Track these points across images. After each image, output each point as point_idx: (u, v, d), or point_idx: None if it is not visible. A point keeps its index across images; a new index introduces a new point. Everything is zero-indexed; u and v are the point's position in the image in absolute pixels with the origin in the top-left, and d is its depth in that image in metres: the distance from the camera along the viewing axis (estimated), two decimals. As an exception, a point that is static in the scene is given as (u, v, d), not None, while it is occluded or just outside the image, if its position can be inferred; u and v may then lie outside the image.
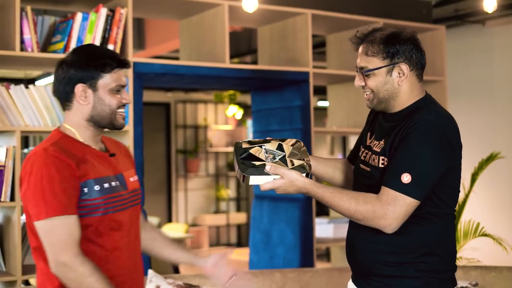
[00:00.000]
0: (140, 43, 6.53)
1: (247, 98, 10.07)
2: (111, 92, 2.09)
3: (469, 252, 5.22)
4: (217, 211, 10.53)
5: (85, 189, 2.01)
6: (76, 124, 2.11)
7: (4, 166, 3.22)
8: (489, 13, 5.28)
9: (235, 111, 10.18)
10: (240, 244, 10.48)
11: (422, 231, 2.12)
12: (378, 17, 4.75)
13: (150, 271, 3.31)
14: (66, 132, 2.11)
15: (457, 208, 2.26)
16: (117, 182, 2.10)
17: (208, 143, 10.44)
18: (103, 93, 2.08)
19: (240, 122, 10.63)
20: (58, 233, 1.93)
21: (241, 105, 10.27)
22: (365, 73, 2.18)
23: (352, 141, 10.73)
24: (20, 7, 3.27)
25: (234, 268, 2.28)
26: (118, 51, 3.53)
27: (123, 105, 2.13)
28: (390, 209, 2.03)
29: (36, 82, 7.50)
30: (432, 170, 2.06)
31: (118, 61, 2.10)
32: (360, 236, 2.20)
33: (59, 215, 1.94)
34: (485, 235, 5.09)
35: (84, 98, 2.08)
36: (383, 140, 2.18)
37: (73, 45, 3.43)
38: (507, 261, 5.08)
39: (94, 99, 2.08)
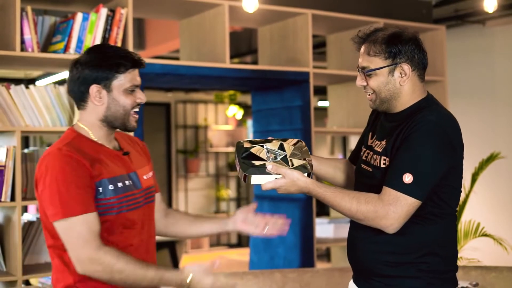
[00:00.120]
0: (140, 43, 6.53)
1: (247, 98, 10.07)
2: (126, 92, 2.09)
3: (470, 252, 5.22)
4: (218, 211, 10.53)
5: (100, 189, 2.02)
6: (90, 123, 2.11)
7: (4, 166, 3.22)
8: (490, 13, 5.28)
9: (235, 111, 10.18)
10: (240, 244, 10.48)
11: (423, 231, 2.12)
12: (379, 17, 4.75)
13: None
14: (80, 131, 2.12)
15: (457, 208, 2.25)
16: (130, 181, 2.10)
17: (208, 143, 10.44)
18: (118, 94, 2.08)
19: (241, 122, 10.63)
20: (77, 232, 1.94)
21: (241, 105, 10.28)
22: (367, 73, 2.17)
23: (353, 141, 10.74)
24: (20, 7, 3.27)
25: (264, 218, 2.27)
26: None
27: (137, 105, 2.13)
28: (392, 209, 2.03)
29: (37, 82, 7.51)
30: (434, 170, 2.06)
31: (132, 61, 2.09)
32: (361, 236, 2.20)
33: (76, 215, 1.95)
34: (485, 235, 5.09)
35: (99, 98, 2.08)
36: (385, 140, 2.18)
37: (73, 45, 3.43)
38: (508, 261, 5.08)
39: (109, 100, 2.08)
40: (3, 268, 3.35)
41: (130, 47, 3.57)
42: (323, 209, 7.05)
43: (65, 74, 5.70)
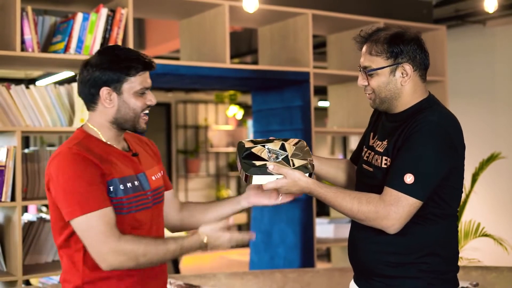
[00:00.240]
0: (140, 43, 6.53)
1: (247, 98, 10.07)
2: (136, 94, 2.08)
3: (470, 252, 5.22)
4: (218, 211, 10.52)
5: (111, 187, 2.02)
6: (99, 124, 2.11)
7: (4, 166, 3.22)
8: (490, 13, 5.28)
9: (235, 111, 10.18)
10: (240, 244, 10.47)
11: (424, 231, 2.12)
12: (379, 17, 4.75)
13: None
14: (89, 132, 2.12)
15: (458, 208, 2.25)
16: (139, 182, 2.10)
17: (208, 143, 10.44)
18: (128, 96, 2.07)
19: (241, 122, 10.63)
20: (96, 227, 1.94)
21: (241, 105, 10.28)
22: (368, 72, 2.17)
23: (353, 141, 10.75)
24: (20, 7, 3.27)
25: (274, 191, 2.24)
26: (118, 51, 3.52)
27: (148, 107, 2.12)
28: (393, 210, 2.03)
29: (37, 82, 7.51)
30: (435, 170, 2.06)
31: (143, 64, 2.08)
32: (362, 236, 2.20)
33: (94, 210, 1.95)
34: (485, 235, 5.09)
35: (109, 101, 2.07)
36: (386, 140, 2.18)
37: (73, 45, 3.43)
38: (508, 261, 5.08)
39: (119, 102, 2.08)
40: (3, 268, 3.35)
41: (130, 47, 3.56)
42: (323, 209, 7.05)
43: (65, 74, 5.70)
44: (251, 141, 2.22)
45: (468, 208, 5.16)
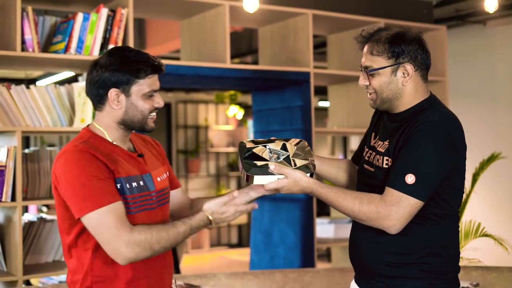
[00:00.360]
0: (141, 44, 6.53)
1: (248, 99, 10.07)
2: (144, 97, 2.08)
3: (470, 252, 5.22)
4: (218, 211, 10.52)
5: (118, 185, 2.02)
6: (106, 125, 2.11)
7: (5, 166, 3.22)
8: (490, 13, 5.28)
9: (236, 111, 10.18)
10: (241, 244, 10.48)
11: (425, 231, 2.11)
12: (379, 17, 4.75)
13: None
14: (95, 132, 2.12)
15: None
16: (144, 182, 2.10)
17: (209, 143, 10.44)
18: (136, 98, 2.07)
19: (241, 122, 10.63)
20: (108, 222, 1.93)
21: (242, 105, 10.28)
22: (370, 72, 2.17)
23: (353, 142, 10.75)
24: (21, 7, 3.27)
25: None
26: (119, 51, 3.52)
27: (155, 109, 2.12)
28: (394, 210, 2.03)
29: (37, 82, 7.51)
30: (436, 170, 2.06)
31: (152, 66, 2.08)
32: (363, 236, 2.20)
33: (105, 205, 1.94)
34: (486, 235, 5.09)
35: (117, 102, 2.07)
36: (388, 140, 2.18)
37: (74, 45, 3.43)
38: (508, 261, 5.08)
39: (127, 104, 2.07)
40: (4, 268, 3.35)
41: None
42: (324, 209, 7.05)
43: (65, 74, 5.70)
44: (253, 141, 2.22)
45: (469, 208, 5.16)
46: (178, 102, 10.14)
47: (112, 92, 2.05)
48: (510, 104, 6.07)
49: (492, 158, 5.14)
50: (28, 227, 3.49)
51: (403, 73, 2.15)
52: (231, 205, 2.10)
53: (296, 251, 4.35)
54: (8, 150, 3.23)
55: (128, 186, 2.04)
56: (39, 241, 3.52)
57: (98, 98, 2.09)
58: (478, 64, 6.29)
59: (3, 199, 3.21)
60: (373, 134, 2.31)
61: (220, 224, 2.14)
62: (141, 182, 2.09)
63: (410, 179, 2.03)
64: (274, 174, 2.10)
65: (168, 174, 2.26)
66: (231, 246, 10.46)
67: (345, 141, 11.27)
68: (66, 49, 3.43)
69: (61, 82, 4.47)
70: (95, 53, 3.49)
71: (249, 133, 10.45)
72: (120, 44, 3.53)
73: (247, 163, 2.13)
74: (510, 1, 5.50)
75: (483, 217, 5.35)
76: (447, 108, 2.20)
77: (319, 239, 4.58)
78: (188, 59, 4.21)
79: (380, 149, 2.20)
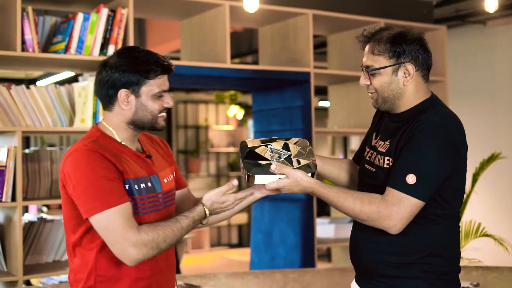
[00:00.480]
0: (141, 44, 6.53)
1: (248, 99, 10.07)
2: (154, 97, 2.08)
3: (470, 252, 5.22)
4: (218, 211, 10.51)
5: (127, 186, 2.02)
6: (115, 125, 2.11)
7: (5, 166, 3.22)
8: (490, 13, 5.28)
9: (236, 112, 10.19)
10: (241, 244, 10.48)
11: (426, 232, 2.11)
12: (379, 17, 4.75)
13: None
14: (104, 131, 2.11)
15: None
16: (152, 184, 2.10)
17: (209, 143, 10.44)
18: (146, 99, 2.07)
19: (241, 123, 10.64)
20: (116, 223, 1.93)
21: (242, 105, 10.28)
22: (371, 72, 2.17)
23: (353, 142, 10.75)
24: (21, 7, 3.27)
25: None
26: (119, 51, 3.53)
27: (165, 109, 2.13)
28: (395, 210, 2.02)
29: (37, 83, 7.51)
30: (437, 171, 2.06)
31: (162, 67, 2.07)
32: (364, 236, 2.20)
33: (113, 206, 1.94)
34: (486, 235, 5.09)
35: (127, 103, 2.07)
36: (389, 140, 2.18)
37: (74, 45, 3.43)
38: (508, 261, 5.08)
39: (137, 105, 2.07)
40: (4, 268, 3.35)
41: (131, 47, 3.56)
42: (324, 209, 7.05)
43: (66, 74, 5.70)
44: (254, 140, 2.21)
45: (469, 208, 5.16)
46: (178, 102, 10.14)
47: (122, 93, 2.05)
48: (510, 104, 6.07)
49: (492, 158, 5.13)
50: (28, 227, 3.49)
51: (404, 73, 2.15)
52: (230, 194, 2.11)
53: (296, 251, 4.35)
54: (8, 150, 3.23)
55: (136, 188, 2.04)
56: (39, 241, 3.52)
57: (107, 99, 2.08)
58: (478, 64, 6.28)
59: (3, 199, 3.21)
60: (374, 134, 2.31)
61: (221, 212, 2.15)
62: (149, 184, 2.09)
63: (411, 179, 2.02)
64: (275, 174, 2.10)
65: (174, 175, 2.26)
66: (231, 246, 10.46)
67: (345, 141, 11.27)
68: (66, 49, 3.43)
69: (61, 82, 4.47)
70: (95, 53, 3.49)
71: (249, 133, 10.45)
72: (120, 44, 3.53)
73: (248, 162, 2.13)
74: (510, 1, 5.50)
75: (483, 217, 5.35)
76: (448, 108, 2.20)
77: (320, 239, 4.58)
78: (188, 59, 4.21)
79: (381, 149, 2.20)
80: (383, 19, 4.62)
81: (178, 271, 6.48)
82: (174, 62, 4.01)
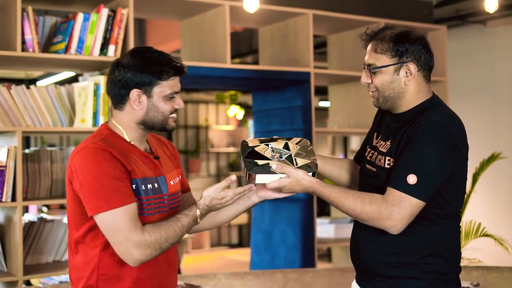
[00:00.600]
0: (141, 44, 6.53)
1: (248, 99, 10.08)
2: (165, 98, 2.09)
3: (470, 252, 5.22)
4: (218, 211, 10.52)
5: (134, 186, 2.02)
6: (125, 124, 2.11)
7: (5, 166, 3.22)
8: (491, 13, 5.27)
9: (236, 112, 10.19)
10: (241, 244, 10.48)
11: (427, 232, 2.11)
12: (379, 17, 4.75)
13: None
14: (114, 130, 2.12)
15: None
16: (159, 185, 2.11)
17: (209, 143, 10.44)
18: (157, 100, 2.08)
19: (241, 123, 10.64)
20: (121, 223, 1.94)
21: (242, 105, 10.28)
22: (373, 70, 2.17)
23: (354, 142, 10.75)
24: (21, 7, 3.27)
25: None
26: (119, 51, 3.53)
27: (175, 110, 2.14)
28: (396, 210, 2.02)
29: (37, 83, 7.51)
30: (438, 171, 2.05)
31: (175, 68, 2.09)
32: (365, 236, 2.20)
33: (119, 206, 1.94)
34: (486, 235, 5.08)
35: (138, 103, 2.07)
36: (390, 140, 2.18)
37: (74, 45, 3.43)
38: (509, 261, 5.08)
39: (148, 105, 2.08)
40: (4, 269, 3.35)
41: (131, 47, 3.57)
42: (324, 209, 7.05)
43: (66, 74, 5.70)
44: (255, 140, 2.21)
45: (469, 208, 5.16)
46: (178, 102, 10.14)
47: (134, 93, 2.06)
48: (510, 104, 6.07)
49: (492, 158, 5.13)
50: (29, 227, 3.49)
51: (406, 73, 2.15)
52: (229, 190, 2.11)
53: (296, 251, 4.35)
54: (8, 150, 3.23)
55: (143, 188, 2.04)
56: (40, 241, 3.52)
57: (119, 98, 2.09)
58: (478, 64, 6.28)
59: (3, 199, 3.21)
60: (375, 134, 2.31)
61: (221, 208, 2.14)
62: (156, 184, 2.09)
63: (412, 179, 2.02)
64: (276, 173, 2.10)
65: (180, 178, 2.26)
66: (231, 246, 10.46)
67: (345, 141, 11.27)
68: (66, 49, 3.43)
69: (62, 82, 4.47)
70: (96, 53, 3.49)
71: (249, 133, 10.45)
72: (120, 44, 3.54)
73: (249, 162, 2.13)
74: (510, 1, 5.49)
75: (484, 217, 5.35)
76: (450, 109, 2.20)
77: (320, 239, 4.58)
78: (189, 59, 4.21)
79: (382, 149, 2.20)
80: (383, 19, 4.62)
81: (178, 271, 6.48)
82: (174, 62, 4.00)
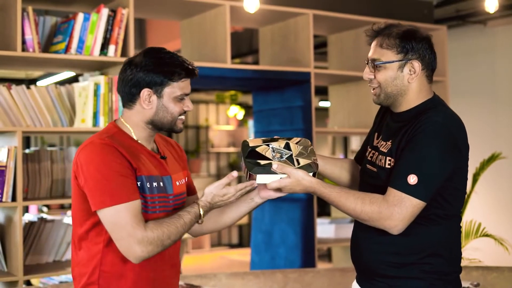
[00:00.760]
0: (141, 44, 6.54)
1: (248, 99, 10.08)
2: (175, 100, 2.10)
3: (471, 252, 5.22)
4: (218, 212, 10.52)
5: (139, 183, 2.03)
6: (133, 123, 2.12)
7: (5, 166, 3.22)
8: (491, 13, 5.27)
9: (236, 112, 10.19)
10: (241, 244, 10.48)
11: (427, 232, 2.11)
12: (380, 17, 4.75)
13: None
14: (122, 128, 2.13)
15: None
16: (164, 184, 2.11)
17: (209, 143, 10.44)
18: (167, 101, 2.09)
19: (242, 123, 10.64)
20: (124, 219, 1.94)
21: (242, 105, 10.28)
22: (377, 65, 2.17)
23: (354, 142, 10.75)
24: (21, 7, 3.27)
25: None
26: (119, 51, 3.53)
27: (184, 112, 2.14)
28: (396, 210, 2.02)
29: (38, 83, 7.51)
30: (439, 171, 2.05)
31: (186, 70, 2.10)
32: (365, 236, 2.20)
33: (123, 202, 1.95)
34: (486, 235, 5.08)
35: (148, 103, 2.08)
36: (390, 140, 2.18)
37: (74, 45, 3.43)
38: (509, 261, 5.08)
39: (158, 105, 2.09)
40: (4, 269, 3.35)
41: (131, 47, 3.57)
42: (324, 209, 7.05)
43: (66, 74, 5.71)
44: (255, 140, 2.22)
45: (469, 208, 5.15)
46: (178, 102, 10.14)
47: (145, 92, 2.07)
48: (510, 104, 6.07)
49: (492, 158, 5.13)
50: (29, 227, 3.49)
51: (410, 70, 2.15)
52: (230, 186, 2.12)
53: (296, 251, 4.35)
54: (8, 150, 3.23)
55: (148, 185, 2.05)
56: (40, 241, 3.52)
57: (129, 97, 2.10)
58: (478, 64, 6.28)
59: (3, 199, 3.21)
60: (376, 134, 2.31)
61: (223, 204, 2.15)
62: (161, 183, 2.10)
63: (412, 179, 2.02)
64: (277, 173, 2.10)
65: (186, 180, 2.27)
66: (231, 246, 10.46)
67: (345, 141, 11.27)
68: (66, 49, 3.43)
69: (62, 82, 4.47)
70: (96, 53, 3.49)
71: (249, 133, 10.45)
72: (120, 44, 3.54)
73: (250, 162, 2.13)
74: (510, 1, 5.49)
75: (484, 217, 5.35)
76: (450, 109, 2.20)
77: (320, 239, 4.58)
78: (189, 59, 4.19)
79: (383, 149, 2.20)
80: (384, 19, 4.59)
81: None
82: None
